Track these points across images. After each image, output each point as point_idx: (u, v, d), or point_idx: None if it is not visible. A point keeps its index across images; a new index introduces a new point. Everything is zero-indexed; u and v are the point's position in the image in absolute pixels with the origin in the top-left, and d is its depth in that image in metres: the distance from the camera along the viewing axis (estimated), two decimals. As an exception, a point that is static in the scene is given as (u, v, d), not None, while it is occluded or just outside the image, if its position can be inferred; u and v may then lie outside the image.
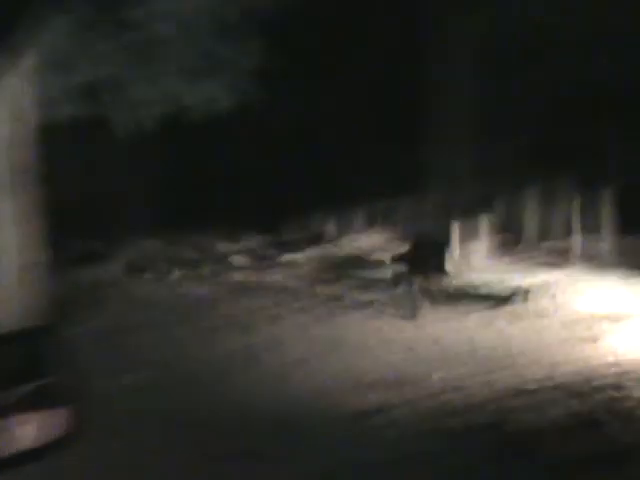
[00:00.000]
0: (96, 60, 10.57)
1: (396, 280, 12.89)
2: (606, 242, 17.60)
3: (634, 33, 15.97)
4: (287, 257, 17.00)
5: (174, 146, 19.43)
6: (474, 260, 13.92)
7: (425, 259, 11.41)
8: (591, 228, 18.61)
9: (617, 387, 6.38)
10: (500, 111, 18.01)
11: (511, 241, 16.87)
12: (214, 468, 4.93)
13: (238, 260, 16.97)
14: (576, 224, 20.54)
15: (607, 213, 17.75)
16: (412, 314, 9.96)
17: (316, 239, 20.68)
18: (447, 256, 11.82)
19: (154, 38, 10.91)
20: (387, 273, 14.61)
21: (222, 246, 18.76)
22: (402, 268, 13.90)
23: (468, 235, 14.61)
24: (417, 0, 17.36)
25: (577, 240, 19.33)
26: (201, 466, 4.98)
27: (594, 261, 16.48)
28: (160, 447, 5.29)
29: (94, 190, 18.74)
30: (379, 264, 16.32)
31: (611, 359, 7.49)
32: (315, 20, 18.26)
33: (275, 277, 13.47)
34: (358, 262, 16.85)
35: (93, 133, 15.99)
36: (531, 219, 21.13)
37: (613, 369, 7.05)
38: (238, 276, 13.72)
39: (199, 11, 11.00)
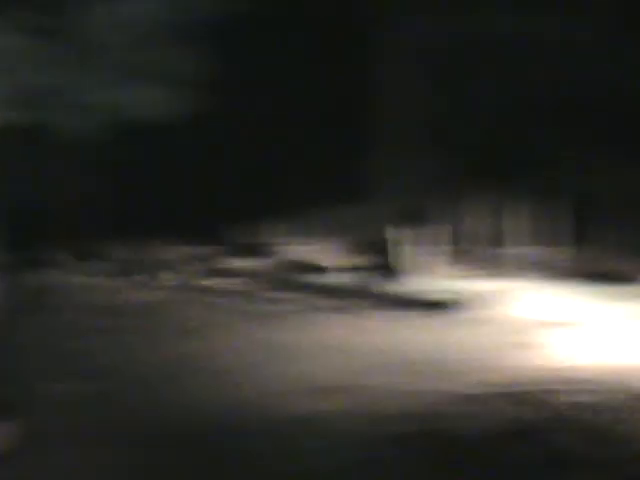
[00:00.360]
0: (37, 66, 10.48)
1: (345, 285, 12.98)
2: (560, 251, 17.93)
3: (587, 40, 16.25)
4: (236, 263, 16.96)
5: (122, 152, 19.28)
6: (424, 267, 14.05)
7: (374, 265, 11.51)
8: (545, 237, 18.96)
9: (556, 393, 6.47)
10: (451, 119, 18.23)
11: (463, 249, 17.09)
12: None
13: (188, 266, 16.89)
14: (529, 233, 20.93)
15: (562, 222, 18.07)
16: (362, 316, 10.04)
17: (265, 245, 20.67)
18: (397, 262, 11.92)
19: (96, 45, 10.86)
20: (336, 279, 14.70)
21: (173, 252, 18.65)
22: (352, 274, 14.04)
23: (419, 242, 14.74)
24: (366, 6, 17.44)
25: (530, 249, 19.68)
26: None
27: (546, 270, 16.78)
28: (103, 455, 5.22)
29: (42, 196, 18.56)
30: (328, 270, 16.39)
31: (552, 365, 7.60)
32: (259, 25, 18.25)
33: (224, 283, 13.44)
34: (306, 268, 16.89)
35: (38, 139, 15.85)
36: (483, 228, 21.41)
37: (553, 375, 7.16)
38: (188, 282, 13.66)
39: (141, 19, 10.99)
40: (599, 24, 16.07)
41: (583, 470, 4.83)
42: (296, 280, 14.19)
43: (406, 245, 13.57)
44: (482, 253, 20.48)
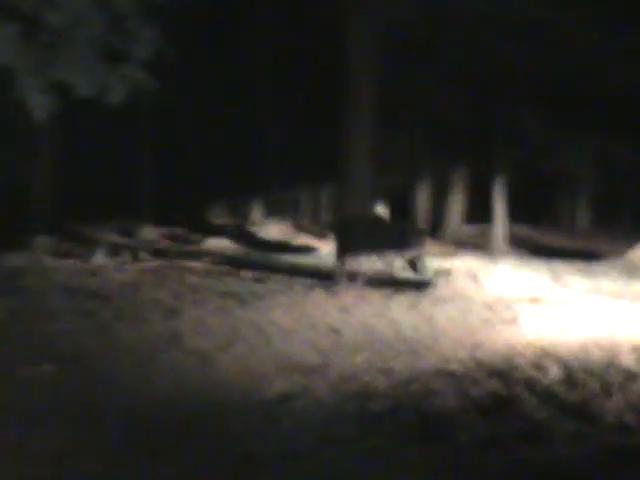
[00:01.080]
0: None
1: (320, 265, 12.99)
2: (498, 230, 18.14)
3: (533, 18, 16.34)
4: (211, 242, 16.93)
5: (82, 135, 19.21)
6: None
7: (350, 243, 11.51)
8: (484, 216, 19.18)
9: (535, 366, 6.55)
10: (404, 101, 18.33)
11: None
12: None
13: (162, 244, 16.83)
14: (463, 212, 21.05)
15: (499, 202, 18.26)
16: (336, 295, 10.07)
17: (241, 225, 20.67)
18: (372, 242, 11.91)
19: (45, 27, 10.73)
20: (311, 258, 14.72)
21: (146, 231, 18.58)
22: (329, 252, 14.01)
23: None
24: None
25: (472, 228, 19.84)
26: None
27: (487, 248, 16.96)
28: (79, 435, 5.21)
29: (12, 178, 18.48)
30: (304, 248, 16.42)
31: (523, 340, 7.68)
32: (219, 6, 18.16)
33: (199, 261, 13.41)
34: (283, 246, 16.91)
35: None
36: (425, 208, 21.60)
37: (531, 349, 7.24)
38: (162, 261, 13.61)
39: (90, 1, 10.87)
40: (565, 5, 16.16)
41: (557, 442, 4.90)
42: (272, 260, 14.19)
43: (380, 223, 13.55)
44: (438, 231, 20.73)
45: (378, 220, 13.15)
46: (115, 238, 17.25)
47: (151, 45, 11.36)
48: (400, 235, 12.02)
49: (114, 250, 14.50)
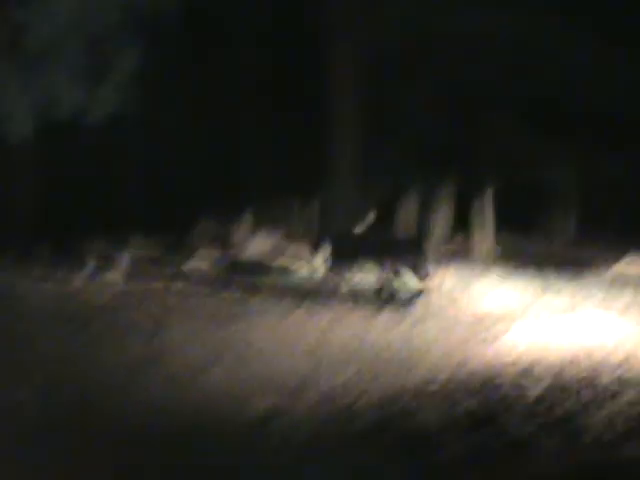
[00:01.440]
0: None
1: (304, 282, 12.96)
2: (486, 240, 18.17)
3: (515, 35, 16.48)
4: (192, 262, 16.83)
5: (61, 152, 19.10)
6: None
7: (344, 258, 11.43)
8: (469, 229, 19.22)
9: (516, 385, 6.54)
10: (389, 115, 18.39)
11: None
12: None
13: (141, 265, 16.72)
14: (449, 223, 21.10)
15: (486, 212, 18.31)
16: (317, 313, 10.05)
17: (222, 244, 20.56)
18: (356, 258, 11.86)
19: (23, 44, 10.72)
20: (296, 276, 14.67)
21: (127, 252, 18.46)
22: (310, 270, 13.98)
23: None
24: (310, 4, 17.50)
25: (459, 239, 19.87)
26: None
27: (472, 261, 16.97)
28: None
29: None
30: (286, 268, 16.36)
31: (511, 358, 7.68)
32: (200, 22, 18.16)
33: (179, 282, 13.33)
34: (265, 266, 16.84)
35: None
36: (410, 221, 21.61)
37: (512, 368, 7.23)
38: (141, 281, 13.51)
39: (71, 18, 10.87)
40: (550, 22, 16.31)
41: (537, 460, 4.89)
42: (254, 279, 14.12)
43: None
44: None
45: (372, 234, 13.08)
46: (94, 260, 17.13)
47: (132, 63, 11.35)
48: (399, 248, 11.90)
49: (92, 272, 14.38)
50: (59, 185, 20.13)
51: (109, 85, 11.38)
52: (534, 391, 6.33)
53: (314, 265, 11.96)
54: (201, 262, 16.97)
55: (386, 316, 10.00)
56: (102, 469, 4.99)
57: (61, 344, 8.51)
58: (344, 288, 11.71)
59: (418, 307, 10.51)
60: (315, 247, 13.11)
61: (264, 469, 4.93)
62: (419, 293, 10.89)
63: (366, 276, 12.62)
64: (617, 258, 15.48)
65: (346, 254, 11.42)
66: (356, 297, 11.68)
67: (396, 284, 11.18)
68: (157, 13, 11.89)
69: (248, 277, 14.85)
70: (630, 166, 19.75)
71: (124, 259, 17.65)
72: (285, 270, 16.16)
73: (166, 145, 21.05)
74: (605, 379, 6.70)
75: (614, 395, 6.15)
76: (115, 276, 14.30)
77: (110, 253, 17.94)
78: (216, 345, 8.44)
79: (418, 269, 11.32)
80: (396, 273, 11.13)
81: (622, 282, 13.17)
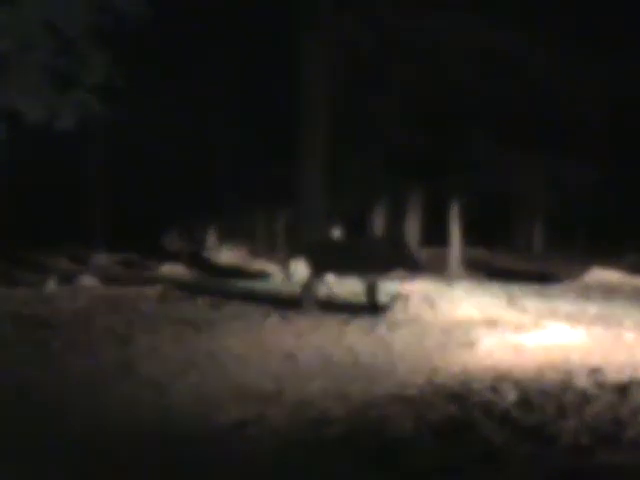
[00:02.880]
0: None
1: (278, 289, 12.91)
2: (454, 253, 18.27)
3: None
4: (166, 268, 16.79)
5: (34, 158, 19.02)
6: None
7: (320, 267, 11.38)
8: (440, 240, 19.34)
9: (492, 390, 6.53)
10: (359, 125, 18.48)
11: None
12: None
13: (115, 271, 16.64)
14: (419, 235, 21.19)
15: (454, 226, 18.41)
16: (293, 320, 10.00)
17: (195, 250, 20.53)
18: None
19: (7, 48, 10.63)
20: (268, 283, 14.65)
21: (100, 257, 18.37)
22: (284, 278, 13.95)
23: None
24: (282, 16, 17.58)
25: (426, 251, 19.97)
26: None
27: (443, 271, 17.05)
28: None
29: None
30: (260, 274, 16.34)
31: (486, 363, 7.68)
32: (171, 33, 18.15)
33: (153, 288, 13.25)
34: (238, 272, 16.82)
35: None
36: (380, 230, 21.72)
37: (488, 373, 7.23)
38: (116, 287, 13.43)
39: (41, 27, 10.80)
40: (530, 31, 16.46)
41: (513, 465, 4.87)
42: (227, 286, 14.09)
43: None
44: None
45: (348, 240, 13.08)
46: (67, 265, 17.02)
47: (101, 70, 11.30)
48: (381, 249, 11.84)
49: (66, 277, 14.28)
50: (31, 190, 20.03)
51: (77, 95, 11.29)
52: (510, 396, 6.32)
53: (290, 271, 11.93)
54: (175, 267, 16.92)
55: (362, 322, 9.98)
56: (70, 476, 4.92)
57: (33, 349, 8.43)
58: (320, 294, 11.69)
59: (393, 313, 10.50)
60: (291, 254, 13.09)
61: (238, 475, 4.88)
62: (396, 298, 10.87)
63: (343, 281, 12.64)
64: (585, 268, 15.67)
65: (322, 260, 11.35)
66: (332, 302, 11.66)
67: (372, 289, 11.16)
68: (128, 18, 11.83)
69: (224, 281, 14.82)
70: (595, 182, 20.00)
71: (98, 263, 17.56)
72: (261, 275, 16.16)
73: (140, 151, 21.03)
74: (580, 383, 6.71)
75: (589, 399, 6.16)
76: (89, 280, 14.20)
77: (84, 257, 17.85)
78: (191, 350, 8.39)
79: (408, 264, 11.30)
80: (373, 278, 11.11)
81: (590, 292, 13.32)
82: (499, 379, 6.93)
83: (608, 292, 13.33)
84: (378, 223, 21.86)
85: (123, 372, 7.49)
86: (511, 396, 6.31)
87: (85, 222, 21.20)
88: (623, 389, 6.40)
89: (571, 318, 10.52)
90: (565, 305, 11.71)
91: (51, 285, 13.48)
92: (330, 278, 12.21)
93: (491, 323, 9.94)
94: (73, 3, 10.92)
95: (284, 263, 15.23)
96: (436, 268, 18.08)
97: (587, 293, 13.16)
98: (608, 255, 19.31)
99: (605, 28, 17.63)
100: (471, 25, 16.32)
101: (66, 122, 11.34)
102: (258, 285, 14.17)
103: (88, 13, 10.97)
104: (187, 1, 18.46)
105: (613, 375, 7.00)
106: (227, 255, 19.26)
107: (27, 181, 19.66)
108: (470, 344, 8.63)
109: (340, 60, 16.55)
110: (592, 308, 11.42)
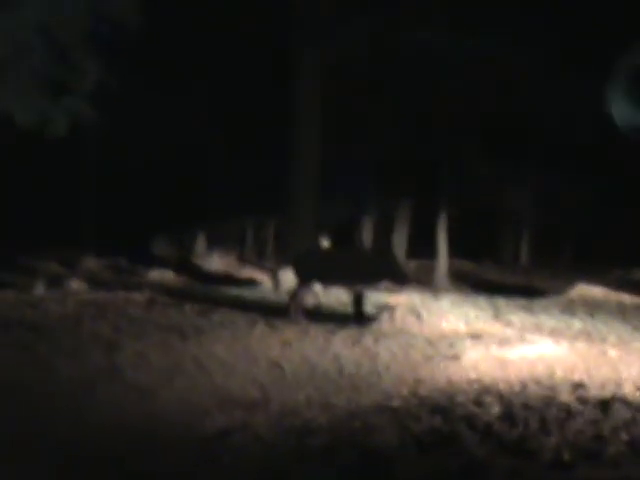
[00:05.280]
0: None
1: (265, 298, 12.93)
2: (440, 265, 18.33)
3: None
4: (154, 273, 16.77)
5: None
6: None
7: (309, 276, 11.41)
8: (427, 251, 19.40)
9: (476, 403, 6.58)
10: (350, 134, 18.57)
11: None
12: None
13: (103, 275, 16.62)
14: (406, 246, 21.23)
15: (441, 238, 18.48)
16: (282, 328, 10.02)
17: (183, 256, 20.53)
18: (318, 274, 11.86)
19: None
20: (256, 291, 14.67)
21: (89, 262, 18.34)
22: (272, 286, 13.97)
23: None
24: (275, 19, 17.63)
25: (413, 263, 20.05)
26: None
27: (429, 283, 17.11)
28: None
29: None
30: (248, 282, 16.35)
31: (471, 376, 7.74)
32: (164, 38, 18.17)
33: (141, 293, 13.25)
34: (227, 279, 16.82)
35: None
36: (367, 241, 21.79)
37: (473, 386, 7.29)
38: (103, 292, 13.42)
39: (34, 33, 10.82)
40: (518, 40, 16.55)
41: (495, 478, 4.92)
42: (215, 292, 14.10)
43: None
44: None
45: (337, 250, 13.10)
46: (55, 269, 16.99)
47: (94, 77, 11.32)
48: (370, 261, 11.87)
49: (54, 281, 14.26)
50: (23, 192, 20.00)
51: (69, 101, 11.31)
52: (494, 409, 6.37)
53: (278, 280, 11.96)
54: (164, 273, 16.91)
55: (348, 332, 10.01)
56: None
57: (20, 352, 8.42)
58: (307, 303, 11.72)
59: (380, 324, 10.54)
60: (280, 262, 13.12)
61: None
62: (382, 309, 10.92)
63: (330, 291, 12.68)
64: (571, 283, 15.76)
65: (310, 270, 11.38)
66: (319, 312, 11.70)
67: (359, 300, 11.20)
68: (122, 24, 11.86)
69: (212, 288, 14.82)
70: (581, 198, 20.15)
71: (86, 268, 17.53)
72: (249, 283, 16.17)
73: (125, 159, 21.03)
74: (564, 398, 6.77)
75: (573, 414, 6.22)
76: (77, 285, 14.18)
77: (73, 261, 17.82)
78: (177, 357, 8.41)
79: (395, 275, 11.33)
80: (361, 289, 11.15)
81: (575, 306, 13.41)
82: (483, 392, 6.98)
83: (593, 308, 13.41)
84: (366, 234, 21.92)
85: (109, 377, 7.50)
86: (495, 409, 6.37)
87: (74, 226, 21.17)
88: (606, 405, 6.46)
89: (556, 333, 10.60)
90: (550, 320, 11.78)
91: (39, 289, 13.45)
92: (317, 288, 12.23)
93: (476, 336, 9.99)
94: (69, 10, 10.94)
95: (272, 272, 15.25)
96: (423, 280, 18.15)
97: (572, 308, 13.23)
98: (593, 271, 19.41)
99: (596, 44, 17.76)
100: (463, 39, 16.41)
101: (58, 128, 11.36)
102: (246, 293, 14.18)
103: (84, 21, 11.00)
104: (182, 6, 18.49)
105: (596, 391, 7.07)
106: (216, 262, 19.26)
107: (16, 184, 19.63)
108: (454, 356, 8.68)
109: (335, 69, 16.62)
110: (577, 323, 11.50)
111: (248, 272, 17.87)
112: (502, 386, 7.25)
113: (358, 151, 19.54)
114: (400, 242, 21.67)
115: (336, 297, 12.79)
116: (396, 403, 6.63)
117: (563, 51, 16.81)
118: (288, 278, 12.14)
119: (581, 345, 9.57)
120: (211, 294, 13.71)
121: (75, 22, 11.03)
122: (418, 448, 5.46)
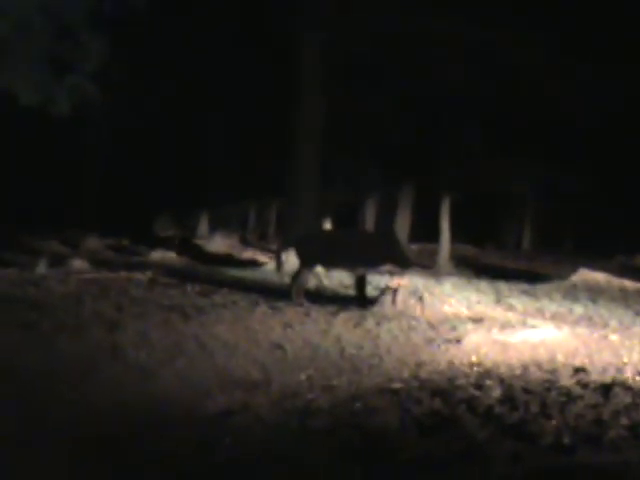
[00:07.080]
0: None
1: (266, 279, 12.93)
2: (443, 249, 18.31)
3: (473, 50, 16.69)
4: (156, 254, 16.78)
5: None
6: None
7: (311, 258, 11.38)
8: (429, 235, 19.37)
9: (477, 386, 6.59)
10: (352, 119, 18.53)
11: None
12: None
13: (106, 255, 16.63)
14: (409, 230, 21.19)
15: (444, 222, 18.45)
16: (284, 309, 10.03)
17: (186, 237, 20.53)
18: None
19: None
20: (258, 272, 14.67)
21: (91, 241, 18.35)
22: (274, 268, 13.95)
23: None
24: (273, 14, 17.60)
25: (416, 246, 20.03)
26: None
27: (432, 267, 17.09)
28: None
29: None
30: (250, 263, 16.36)
31: (472, 359, 7.74)
32: (166, 23, 18.12)
33: (143, 273, 13.26)
34: (229, 260, 16.83)
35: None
36: (370, 224, 21.78)
37: (474, 369, 7.29)
38: (106, 272, 13.43)
39: (39, 11, 10.76)
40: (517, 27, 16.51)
41: (496, 462, 4.93)
42: (217, 273, 14.11)
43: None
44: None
45: (340, 232, 13.06)
46: (58, 248, 17.00)
47: (99, 57, 11.27)
48: (373, 242, 11.82)
49: (57, 260, 14.26)
50: (24, 172, 19.98)
51: (74, 80, 11.25)
52: (495, 393, 6.38)
53: (280, 261, 11.93)
54: (166, 253, 16.92)
55: (350, 315, 10.01)
56: (56, 459, 4.95)
57: (22, 331, 8.43)
58: (310, 284, 11.72)
59: (382, 307, 10.53)
60: (282, 244, 13.10)
61: (222, 463, 4.92)
62: (384, 292, 10.91)
63: (332, 273, 12.68)
64: (573, 268, 15.76)
65: (312, 252, 11.36)
66: (321, 294, 11.70)
67: (362, 282, 11.20)
68: (126, 5, 11.80)
69: (214, 269, 14.83)
70: (583, 183, 20.11)
71: (89, 247, 17.54)
72: (251, 264, 16.18)
73: (130, 140, 21.00)
74: (565, 382, 6.78)
75: (573, 398, 6.22)
76: (79, 264, 14.20)
77: (75, 241, 17.83)
78: (179, 337, 8.41)
79: (398, 258, 11.30)
80: (363, 271, 11.14)
81: (577, 292, 13.41)
82: (484, 376, 6.99)
83: (595, 293, 13.41)
84: (369, 217, 21.91)
85: (110, 357, 7.51)
86: (495, 393, 6.37)
87: (77, 206, 21.17)
88: (606, 390, 6.47)
89: (557, 317, 10.60)
90: (552, 304, 11.79)
91: (42, 268, 13.46)
92: (319, 270, 12.22)
93: (478, 320, 9.98)
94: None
95: (275, 253, 15.26)
96: (425, 263, 18.14)
97: (574, 293, 13.24)
98: (596, 256, 19.40)
99: (598, 33, 17.70)
100: (464, 26, 16.35)
101: (61, 107, 11.31)
102: (248, 274, 14.18)
103: None
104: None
105: (597, 375, 7.08)
106: (218, 243, 19.26)
107: (20, 164, 19.61)
108: (456, 340, 8.68)
109: (337, 54, 16.56)
110: (579, 308, 11.50)
111: (250, 253, 17.88)
112: (503, 370, 7.25)
113: (361, 135, 19.51)
114: (403, 225, 21.66)
115: (338, 279, 12.79)
116: (397, 385, 6.63)
117: (563, 36, 16.76)
118: (290, 260, 12.11)
119: (583, 330, 9.58)
120: (213, 275, 13.72)
121: (80, 0, 10.98)
122: (419, 430, 5.47)
